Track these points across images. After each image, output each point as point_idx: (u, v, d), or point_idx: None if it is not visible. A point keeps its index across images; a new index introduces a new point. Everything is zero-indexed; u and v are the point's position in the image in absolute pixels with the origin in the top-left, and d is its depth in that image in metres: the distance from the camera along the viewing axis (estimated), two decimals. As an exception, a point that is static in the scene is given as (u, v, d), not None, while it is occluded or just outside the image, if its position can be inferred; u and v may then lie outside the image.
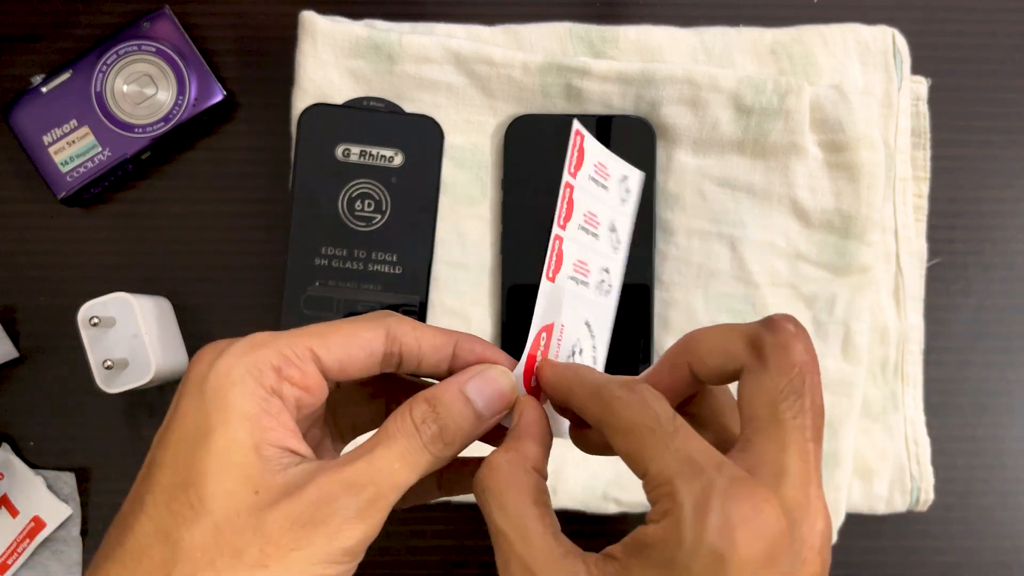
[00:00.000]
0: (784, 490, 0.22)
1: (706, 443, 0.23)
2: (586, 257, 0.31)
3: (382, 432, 0.25)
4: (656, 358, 0.44)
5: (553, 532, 0.24)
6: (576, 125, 0.30)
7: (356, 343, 0.26)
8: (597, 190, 0.31)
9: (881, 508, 0.45)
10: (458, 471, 0.30)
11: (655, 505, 0.23)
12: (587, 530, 0.46)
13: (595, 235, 0.31)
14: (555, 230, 0.29)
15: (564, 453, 0.44)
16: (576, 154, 0.30)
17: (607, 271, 0.32)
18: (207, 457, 0.24)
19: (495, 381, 0.27)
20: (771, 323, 0.25)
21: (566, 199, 0.30)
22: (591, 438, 0.29)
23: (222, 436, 0.24)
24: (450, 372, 0.28)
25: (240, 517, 0.23)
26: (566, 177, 0.30)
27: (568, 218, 0.30)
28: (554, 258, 0.29)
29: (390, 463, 0.25)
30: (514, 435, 0.27)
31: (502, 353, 0.29)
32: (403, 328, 0.27)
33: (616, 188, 0.32)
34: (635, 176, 0.33)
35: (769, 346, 0.24)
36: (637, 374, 0.44)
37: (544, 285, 0.29)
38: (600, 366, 0.33)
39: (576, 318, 0.30)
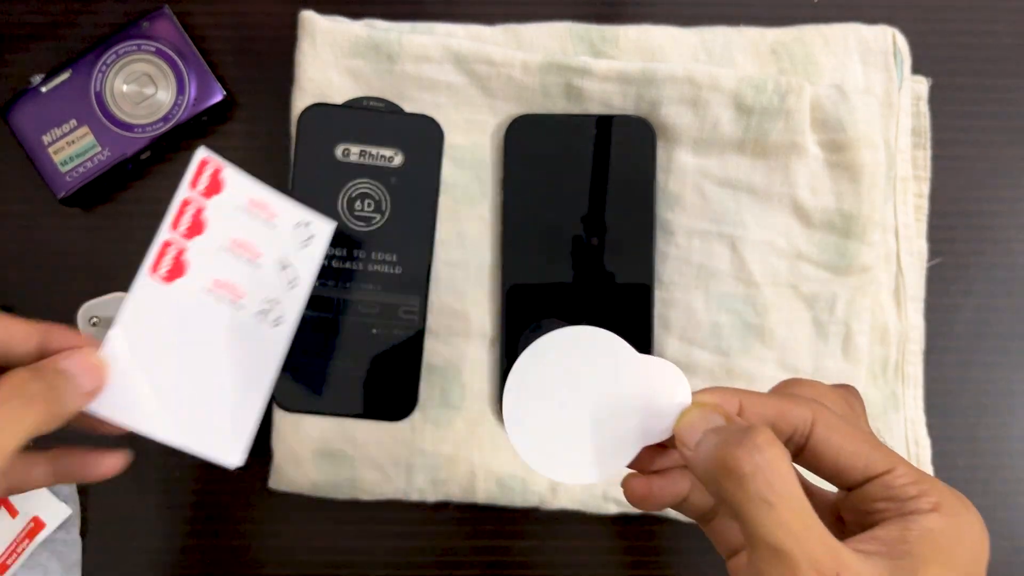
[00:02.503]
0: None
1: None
2: (238, 281, 0.33)
3: None
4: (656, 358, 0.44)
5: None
6: (202, 154, 0.33)
7: (7, 332, 0.29)
8: (255, 224, 0.34)
9: (881, 508, 0.45)
10: (78, 458, 0.32)
11: (918, 503, 0.25)
12: (587, 530, 0.46)
13: (255, 264, 0.33)
14: (164, 234, 0.32)
15: (564, 453, 0.44)
16: (207, 180, 0.33)
17: (276, 303, 0.34)
18: None
19: (87, 358, 0.29)
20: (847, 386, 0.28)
21: (188, 214, 0.33)
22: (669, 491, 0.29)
23: None
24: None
25: None
26: (184, 192, 0.32)
27: (195, 232, 0.32)
28: (165, 261, 0.32)
29: None
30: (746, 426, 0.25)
31: (83, 339, 0.31)
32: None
33: (290, 231, 0.35)
34: (321, 226, 0.36)
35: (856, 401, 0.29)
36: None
37: (145, 281, 0.32)
38: (262, 397, 0.34)
39: (213, 336, 0.33)
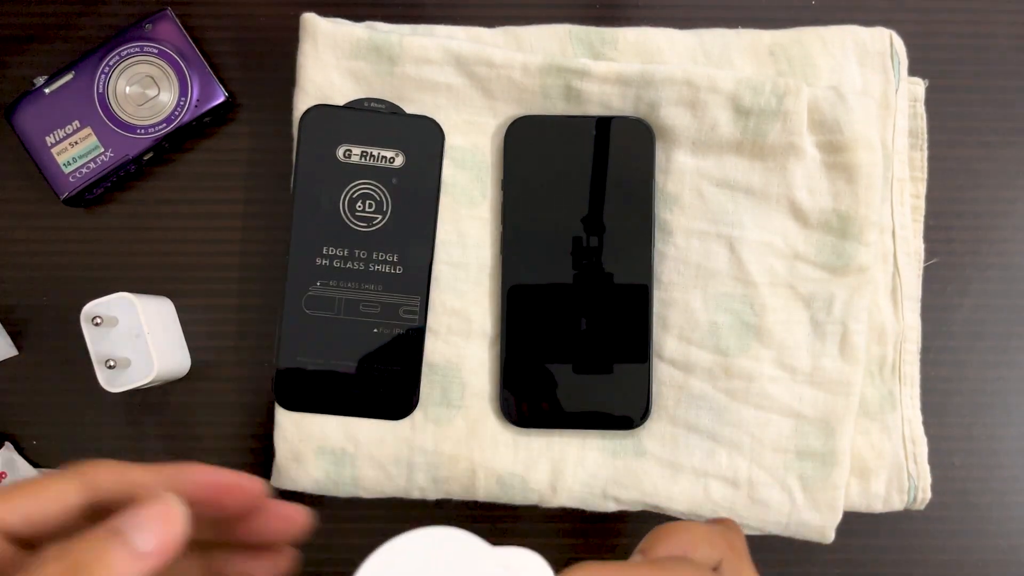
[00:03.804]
0: None
1: None
2: None
3: None
4: (655, 357, 0.45)
5: None
6: None
7: (45, 497, 0.24)
8: None
9: (879, 507, 0.45)
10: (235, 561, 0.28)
11: None
12: (587, 528, 0.47)
13: None
14: None
15: (563, 450, 0.44)
16: None
17: None
18: None
19: (155, 504, 0.24)
20: (725, 520, 0.29)
21: None
22: None
23: None
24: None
25: None
26: None
27: None
28: None
29: None
30: None
31: (230, 475, 0.26)
32: (104, 475, 0.25)
33: None
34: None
35: (736, 538, 0.30)
36: (637, 373, 0.44)
37: None
38: None
39: None
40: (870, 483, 0.45)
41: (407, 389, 0.44)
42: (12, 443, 0.46)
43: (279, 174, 0.47)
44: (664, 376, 0.45)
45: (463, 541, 0.25)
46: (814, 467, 0.44)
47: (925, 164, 0.47)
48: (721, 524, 0.30)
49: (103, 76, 0.45)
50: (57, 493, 0.24)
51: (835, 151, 0.44)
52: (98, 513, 0.24)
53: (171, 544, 0.24)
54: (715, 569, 0.29)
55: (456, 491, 0.44)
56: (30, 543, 0.24)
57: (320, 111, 0.44)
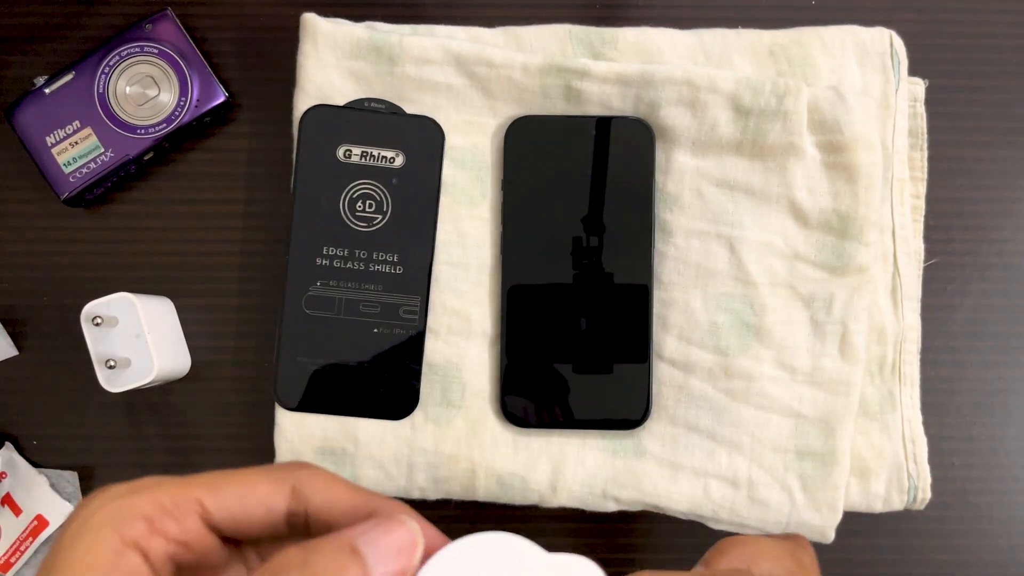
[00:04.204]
0: None
1: None
2: None
3: None
4: (655, 357, 0.45)
5: None
6: None
7: (254, 497, 0.24)
8: None
9: (879, 507, 0.45)
10: None
11: None
12: (587, 528, 0.47)
13: None
14: None
15: (563, 449, 0.44)
16: None
17: None
18: None
19: (396, 530, 0.23)
20: (799, 539, 0.28)
21: None
22: None
23: None
24: None
25: None
26: None
27: None
28: None
29: None
30: None
31: (427, 524, 0.25)
32: (314, 485, 0.24)
33: None
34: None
35: (807, 556, 0.27)
36: (637, 372, 0.44)
37: None
38: None
39: None
40: (870, 483, 0.45)
41: (407, 389, 0.44)
42: (12, 443, 0.46)
43: (279, 174, 0.47)
44: (664, 376, 0.45)
45: (517, 546, 0.24)
46: (814, 467, 0.44)
47: (925, 164, 0.47)
48: (790, 541, 0.28)
49: (103, 76, 0.45)
50: (266, 497, 0.24)
51: (835, 151, 0.44)
52: (293, 520, 0.24)
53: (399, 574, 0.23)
54: None
55: (456, 491, 0.44)
56: (223, 533, 0.24)
57: (320, 111, 0.44)
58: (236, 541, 0.25)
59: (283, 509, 0.24)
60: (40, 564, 0.23)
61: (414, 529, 0.23)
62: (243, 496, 0.23)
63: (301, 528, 0.24)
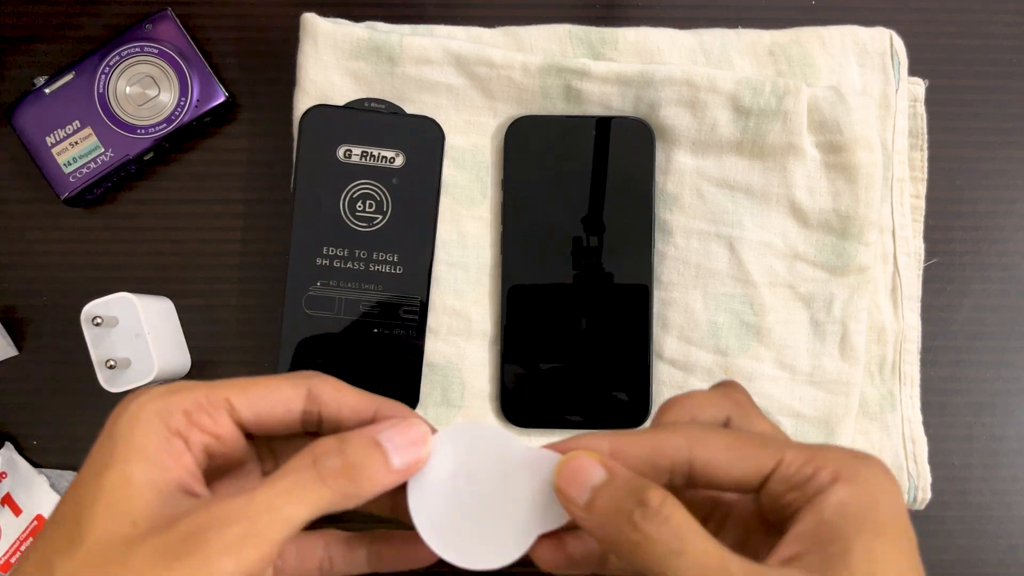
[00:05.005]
0: None
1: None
2: None
3: (279, 469, 0.25)
4: (655, 357, 0.45)
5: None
6: None
7: (276, 398, 0.27)
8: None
9: (879, 507, 0.45)
10: (396, 545, 0.30)
11: (819, 484, 0.24)
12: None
13: None
14: None
15: (564, 452, 0.44)
16: None
17: None
18: (96, 491, 0.24)
19: (409, 429, 0.27)
20: (726, 381, 0.28)
21: None
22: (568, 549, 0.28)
23: (115, 471, 0.24)
24: None
25: (112, 548, 0.23)
26: None
27: None
28: None
29: (271, 498, 0.24)
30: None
31: (424, 420, 0.28)
32: (325, 388, 0.28)
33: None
34: None
35: (738, 393, 0.28)
36: (638, 372, 0.44)
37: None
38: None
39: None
40: (870, 483, 0.45)
41: (407, 389, 0.44)
42: (12, 443, 0.46)
43: (279, 174, 0.47)
44: (664, 376, 0.45)
45: (500, 437, 0.28)
46: (814, 467, 0.44)
47: (925, 164, 0.47)
48: (723, 385, 0.29)
49: (103, 76, 0.45)
50: (287, 398, 0.27)
51: (835, 151, 0.44)
52: (307, 419, 0.28)
53: (416, 467, 0.27)
54: (725, 425, 0.28)
55: (456, 491, 0.44)
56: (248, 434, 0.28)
57: (320, 111, 0.44)
58: (250, 436, 0.28)
59: (300, 409, 0.27)
60: (90, 453, 0.25)
61: (424, 427, 0.28)
62: (267, 397, 0.27)
63: (314, 426, 0.28)
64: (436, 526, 0.28)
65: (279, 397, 0.27)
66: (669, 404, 0.28)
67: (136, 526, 0.24)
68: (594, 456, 0.26)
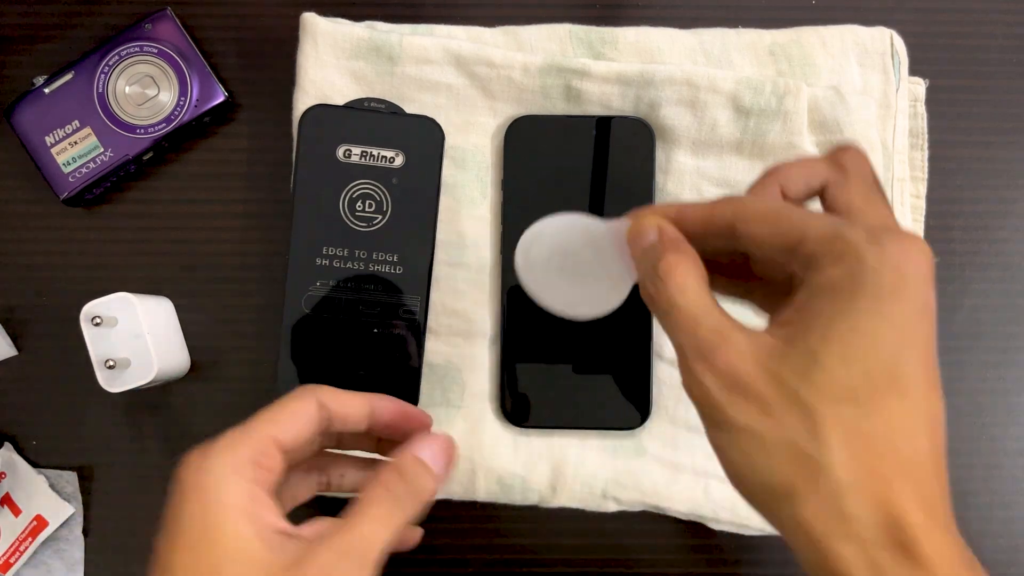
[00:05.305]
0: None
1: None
2: None
3: (361, 502, 0.29)
4: (656, 357, 0.45)
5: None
6: None
7: (301, 419, 0.31)
8: None
9: (879, 507, 0.45)
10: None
11: (823, 259, 0.25)
12: (587, 528, 0.47)
13: None
14: None
15: (563, 450, 0.44)
16: None
17: None
18: (220, 553, 0.27)
19: (435, 441, 0.32)
20: (843, 146, 0.30)
21: None
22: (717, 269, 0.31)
23: (229, 533, 0.27)
24: (368, 427, 0.33)
25: None
26: None
27: None
28: None
29: (373, 527, 0.29)
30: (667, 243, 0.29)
31: (409, 406, 0.34)
32: (327, 396, 0.32)
33: None
34: None
35: (848, 159, 0.29)
36: (638, 372, 0.44)
37: None
38: None
39: None
40: (870, 483, 0.45)
41: (407, 389, 0.44)
42: (12, 443, 0.46)
43: (279, 174, 0.47)
44: (664, 376, 0.45)
45: (585, 220, 0.34)
46: (814, 467, 0.44)
47: (926, 164, 0.47)
48: (836, 150, 0.30)
49: (103, 76, 0.45)
50: (308, 416, 0.31)
51: (835, 151, 0.44)
52: (322, 425, 0.32)
53: (449, 472, 0.32)
54: (821, 192, 0.29)
55: (456, 491, 0.44)
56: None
57: (320, 111, 0.44)
58: None
59: (318, 418, 0.31)
60: (175, 524, 0.28)
61: (447, 435, 0.33)
62: (295, 421, 0.31)
63: (326, 430, 0.32)
64: (547, 295, 0.33)
65: (304, 417, 0.31)
66: (766, 170, 0.30)
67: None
68: (653, 220, 0.30)
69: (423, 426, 0.35)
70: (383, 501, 0.29)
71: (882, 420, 0.25)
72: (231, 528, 0.27)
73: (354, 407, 0.32)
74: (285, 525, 0.29)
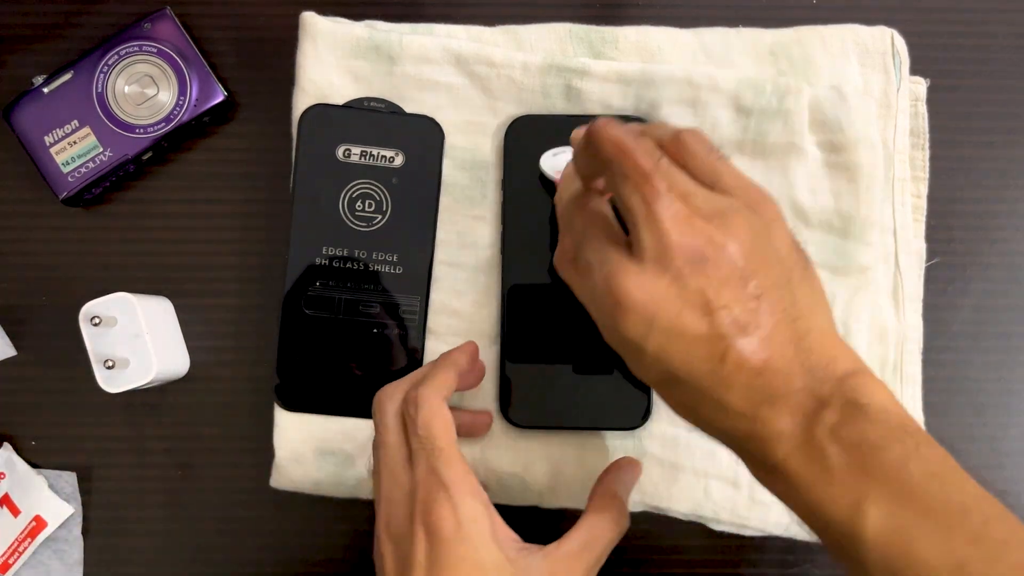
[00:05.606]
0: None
1: None
2: None
3: (591, 512, 0.37)
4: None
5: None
6: None
7: (452, 384, 0.37)
8: None
9: (880, 507, 0.45)
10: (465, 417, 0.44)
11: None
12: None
13: None
14: None
15: (563, 450, 0.44)
16: None
17: None
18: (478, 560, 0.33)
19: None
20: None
21: None
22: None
23: (482, 549, 0.33)
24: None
25: None
26: None
27: None
28: None
29: (603, 530, 0.36)
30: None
31: (460, 353, 0.39)
32: (460, 359, 0.38)
33: None
34: None
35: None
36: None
37: None
38: None
39: None
40: (871, 483, 0.44)
41: (407, 389, 0.44)
42: (11, 443, 0.46)
43: (279, 174, 0.47)
44: (665, 376, 0.45)
45: None
46: (815, 467, 0.43)
47: (927, 164, 0.47)
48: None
49: (102, 75, 0.45)
50: (455, 380, 0.37)
51: (836, 151, 0.44)
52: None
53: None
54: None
55: (456, 491, 0.44)
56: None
57: (320, 110, 0.44)
58: None
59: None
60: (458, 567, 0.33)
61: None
62: (450, 386, 0.37)
63: None
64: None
65: (453, 383, 0.37)
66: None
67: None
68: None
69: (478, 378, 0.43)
70: (610, 509, 0.37)
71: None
72: (490, 559, 0.33)
73: (474, 377, 0.42)
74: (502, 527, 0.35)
